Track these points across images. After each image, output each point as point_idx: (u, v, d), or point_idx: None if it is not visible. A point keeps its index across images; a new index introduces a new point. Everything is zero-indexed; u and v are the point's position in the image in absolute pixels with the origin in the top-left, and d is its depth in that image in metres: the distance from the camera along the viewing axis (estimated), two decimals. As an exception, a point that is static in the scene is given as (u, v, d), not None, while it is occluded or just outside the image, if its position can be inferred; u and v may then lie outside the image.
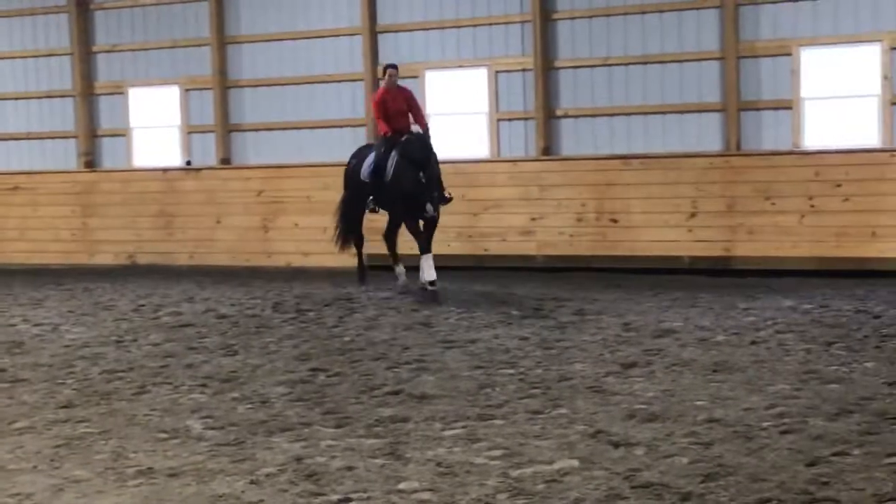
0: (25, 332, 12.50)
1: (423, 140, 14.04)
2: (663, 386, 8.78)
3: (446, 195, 14.34)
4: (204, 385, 9.40)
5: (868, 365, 9.29)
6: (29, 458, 7.27)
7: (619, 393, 8.59)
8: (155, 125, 20.35)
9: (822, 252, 15.01)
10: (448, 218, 14.97)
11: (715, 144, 16.42)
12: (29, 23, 21.08)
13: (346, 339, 11.50)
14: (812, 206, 15.07)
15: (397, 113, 14.48)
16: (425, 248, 14.02)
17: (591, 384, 8.94)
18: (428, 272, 13.91)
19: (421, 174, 13.57)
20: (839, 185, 14.94)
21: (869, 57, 15.62)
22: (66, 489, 6.57)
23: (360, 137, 18.30)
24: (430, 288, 13.89)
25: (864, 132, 15.66)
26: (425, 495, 6.22)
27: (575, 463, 6.74)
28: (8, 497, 6.46)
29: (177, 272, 18.17)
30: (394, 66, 14.87)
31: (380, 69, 18.15)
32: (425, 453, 7.06)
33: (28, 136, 21.22)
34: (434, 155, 14.03)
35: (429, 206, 13.57)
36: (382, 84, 14.92)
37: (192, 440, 7.62)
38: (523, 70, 17.36)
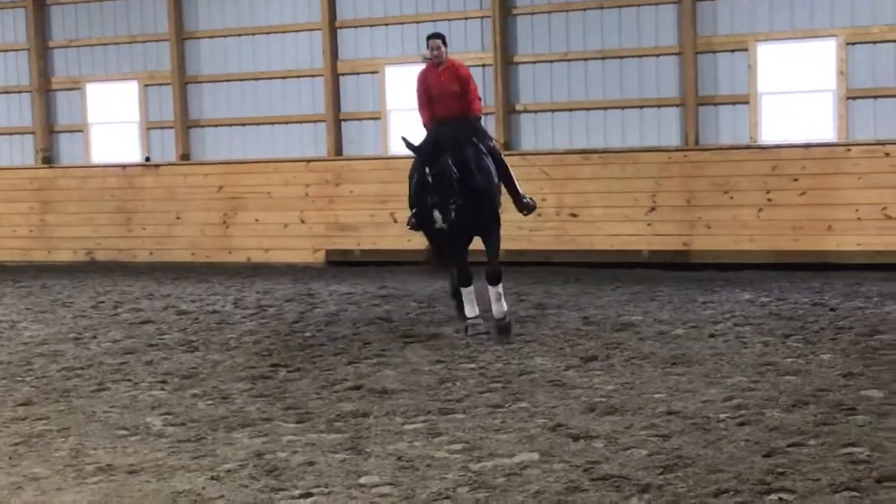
0: (-17, 330, 12.41)
1: (452, 129, 11.08)
2: (623, 379, 8.83)
3: (526, 200, 11.76)
4: (164, 381, 9.38)
5: (824, 357, 9.38)
6: (-13, 456, 7.23)
7: (579, 386, 8.64)
8: (113, 121, 20.18)
9: (780, 245, 15.12)
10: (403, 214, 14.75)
11: (673, 139, 16.50)
12: (-17, 18, 20.88)
13: (307, 334, 11.49)
14: (769, 199, 15.18)
15: (444, 96, 11.43)
16: (489, 277, 11.12)
17: (551, 378, 8.98)
18: (495, 306, 11.11)
19: (427, 170, 10.58)
20: (796, 180, 15.06)
21: (825, 52, 15.72)
22: (25, 487, 6.54)
23: (321, 133, 18.27)
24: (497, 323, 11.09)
25: (820, 127, 15.77)
26: (386, 489, 6.24)
27: (535, 456, 6.78)
28: (-34, 495, 6.42)
29: (136, 269, 18.08)
30: (436, 36, 11.66)
31: (340, 65, 18.24)
32: (386, 448, 7.08)
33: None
34: (470, 149, 11.07)
35: (436, 215, 10.51)
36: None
37: (152, 437, 7.61)
38: (483, 65, 17.35)
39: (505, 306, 11.09)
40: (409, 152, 11.10)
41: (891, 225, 14.64)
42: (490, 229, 11.23)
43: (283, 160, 18.07)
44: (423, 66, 11.86)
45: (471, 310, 11.05)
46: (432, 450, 7.01)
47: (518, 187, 11.71)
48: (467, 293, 11.10)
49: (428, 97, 11.51)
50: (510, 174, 11.64)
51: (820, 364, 9.11)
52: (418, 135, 11.28)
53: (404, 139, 10.60)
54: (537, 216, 15.66)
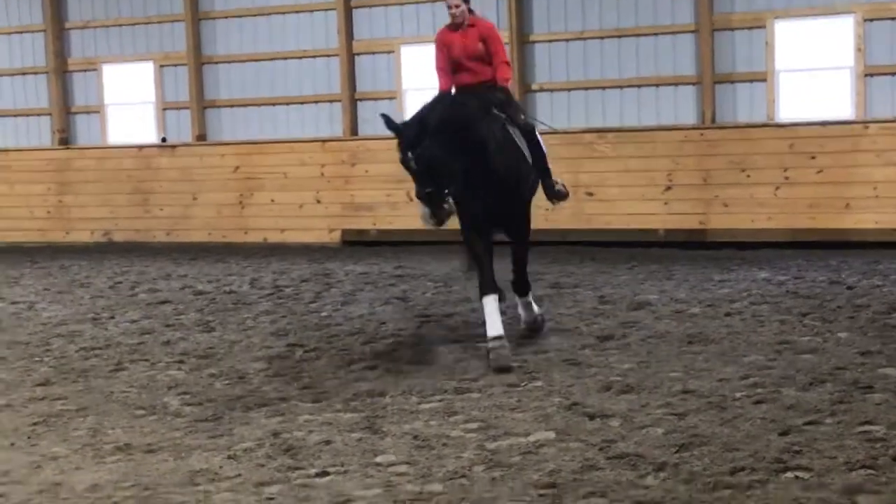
0: (2, 311, 12.46)
1: (465, 100, 9.38)
2: (639, 358, 8.82)
3: (558, 188, 10.14)
4: (181, 361, 9.41)
5: (841, 335, 9.36)
6: (7, 436, 7.27)
7: (595, 365, 8.64)
8: (129, 102, 20.23)
9: (797, 224, 15.06)
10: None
11: (690, 117, 16.44)
12: (1, 0, 20.91)
13: (324, 314, 11.51)
14: (786, 178, 15.13)
15: (466, 61, 9.66)
16: (516, 287, 9.87)
17: (567, 357, 8.98)
18: (523, 313, 9.95)
19: (409, 154, 8.60)
20: (813, 157, 14.99)
21: (842, 29, 15.64)
22: (44, 466, 6.58)
23: (336, 113, 18.24)
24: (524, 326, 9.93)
25: (837, 104, 15.70)
26: (402, 468, 6.26)
27: (551, 435, 6.79)
28: (-15, 474, 6.46)
29: (153, 249, 18.13)
30: None
31: (355, 44, 18.22)
32: (402, 427, 7.10)
33: (2, 114, 21.07)
34: (489, 123, 9.20)
35: (423, 211, 8.84)
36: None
37: (170, 416, 7.64)
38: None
39: (536, 309, 9.97)
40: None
41: (909, 203, 14.59)
42: (516, 223, 9.60)
43: (298, 140, 18.07)
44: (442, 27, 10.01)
45: (493, 327, 8.88)
46: (448, 429, 7.03)
47: (550, 172, 10.08)
48: (489, 305, 8.98)
49: (448, 63, 9.75)
50: (544, 156, 9.94)
51: (837, 342, 9.09)
52: (462, 93, 9.74)
53: (384, 117, 8.80)
54: (553, 195, 15.68)
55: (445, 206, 8.71)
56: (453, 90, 9.75)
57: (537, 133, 9.99)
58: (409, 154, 8.59)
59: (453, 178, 8.73)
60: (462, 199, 9.03)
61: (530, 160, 9.62)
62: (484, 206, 9.18)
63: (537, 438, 6.71)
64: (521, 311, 9.96)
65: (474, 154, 8.90)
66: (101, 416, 7.67)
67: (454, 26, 9.71)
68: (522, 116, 9.91)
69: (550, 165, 10.09)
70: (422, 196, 8.68)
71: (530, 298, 9.91)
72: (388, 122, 8.72)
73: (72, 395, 8.33)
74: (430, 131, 8.52)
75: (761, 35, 16.00)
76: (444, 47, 9.76)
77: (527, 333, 9.85)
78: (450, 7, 9.66)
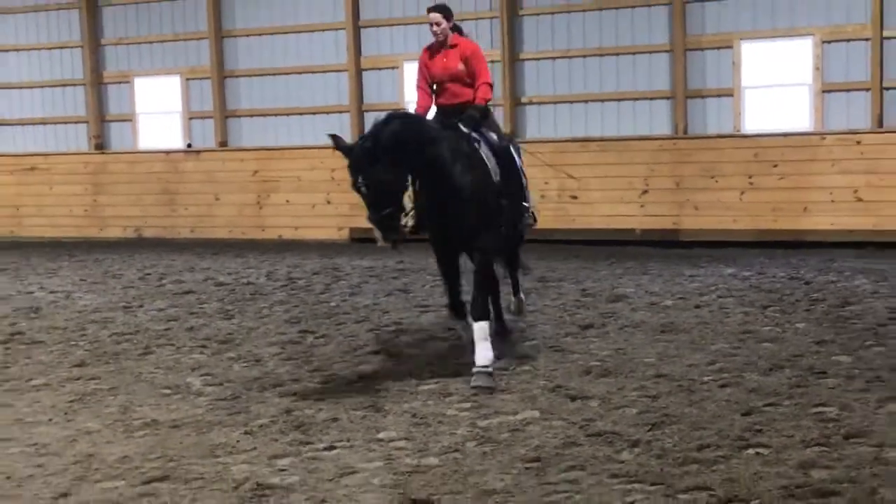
0: (42, 299, 12.46)
1: (410, 118, 7.95)
2: (616, 345, 8.83)
3: (528, 213, 8.79)
4: (203, 346, 9.41)
5: (799, 326, 9.37)
6: (45, 412, 7.27)
7: (577, 351, 8.64)
8: (158, 111, 20.19)
9: (760, 225, 15.07)
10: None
11: (664, 128, 16.43)
12: (43, 18, 20.88)
13: (332, 304, 11.51)
14: (751, 183, 15.13)
15: (446, 79, 8.53)
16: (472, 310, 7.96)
17: (552, 344, 8.99)
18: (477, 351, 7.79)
19: (360, 179, 7.35)
20: (775, 165, 14.99)
21: (802, 49, 15.61)
22: (79, 439, 6.58)
23: (346, 122, 18.21)
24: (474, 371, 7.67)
25: (797, 117, 15.68)
26: (402, 443, 6.27)
27: (536, 414, 6.79)
28: (26, 447, 6.46)
29: (179, 244, 18.11)
30: (436, 8, 8.68)
31: (363, 60, 18.22)
32: (402, 406, 7.10)
33: (43, 121, 21.02)
34: (451, 140, 7.90)
35: (376, 234, 7.54)
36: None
37: (193, 395, 7.64)
38: (491, 62, 17.23)
39: (489, 353, 7.74)
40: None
41: (861, 207, 14.58)
42: (475, 242, 7.94)
43: (311, 147, 18.01)
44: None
45: (480, 354, 7.69)
46: (444, 408, 7.04)
47: (527, 195, 8.82)
48: (464, 329, 8.16)
49: (427, 82, 8.65)
50: (520, 181, 8.68)
51: (795, 332, 9.10)
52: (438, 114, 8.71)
53: (333, 137, 7.55)
54: (540, 197, 15.68)
55: (401, 229, 7.53)
56: (433, 110, 8.60)
57: (516, 156, 8.69)
58: (359, 178, 7.32)
59: (403, 203, 7.49)
60: (424, 220, 8.00)
61: (498, 179, 8.14)
62: (442, 227, 8.00)
63: (524, 417, 6.72)
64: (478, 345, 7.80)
65: (432, 174, 7.74)
66: (131, 395, 7.67)
67: (437, 45, 8.64)
68: (495, 137, 8.44)
69: (530, 192, 8.86)
70: (374, 220, 7.42)
71: (485, 328, 7.84)
72: (338, 142, 7.46)
73: (104, 376, 8.32)
74: (381, 152, 7.24)
75: (729, 55, 15.99)
76: (424, 66, 8.68)
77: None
78: (431, 25, 8.63)
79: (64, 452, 6.31)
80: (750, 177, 15.14)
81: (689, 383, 7.43)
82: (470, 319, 7.94)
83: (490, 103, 8.68)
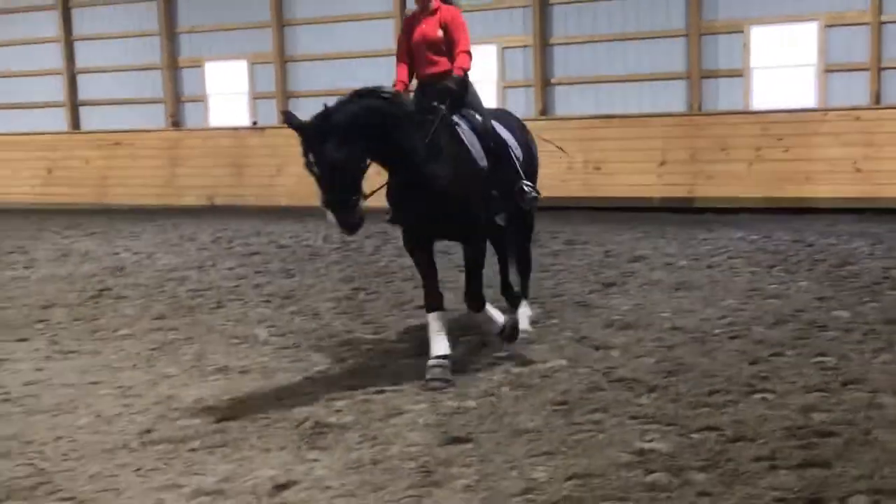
0: (126, 259, 12.57)
1: (373, 94, 6.37)
2: (636, 301, 8.78)
3: (530, 194, 7.11)
4: (268, 301, 9.46)
5: (802, 284, 9.27)
6: (130, 359, 7.36)
7: (600, 307, 8.61)
8: (227, 92, 20.27)
9: (767, 193, 14.88)
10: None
11: (680, 106, 16.25)
12: (125, 10, 20.98)
13: (382, 263, 11.52)
14: (759, 155, 14.93)
15: (423, 49, 7.01)
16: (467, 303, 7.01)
17: (578, 299, 8.96)
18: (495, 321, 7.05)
19: (309, 157, 6.05)
20: (781, 139, 14.78)
21: (807, 33, 15.38)
22: (160, 383, 6.66)
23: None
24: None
25: (802, 96, 15.48)
26: (446, 387, 6.28)
27: (564, 362, 6.78)
28: (113, 389, 6.55)
29: (246, 211, 18.18)
30: None
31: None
32: (444, 355, 7.09)
33: (126, 102, 21.15)
34: (422, 120, 6.47)
35: (329, 218, 6.15)
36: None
37: (259, 345, 7.70)
38: (524, 46, 17.18)
39: (500, 320, 7.02)
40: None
41: (860, 177, 14.36)
42: (462, 234, 6.70)
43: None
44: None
45: (435, 347, 6.50)
46: (481, 357, 7.04)
47: (521, 175, 7.11)
48: (433, 322, 6.61)
49: (406, 52, 7.10)
50: (511, 156, 7.04)
51: (798, 290, 9.00)
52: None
53: (285, 114, 6.26)
54: (568, 169, 15.62)
55: (356, 214, 6.05)
56: (414, 83, 7.10)
57: (508, 135, 7.15)
58: (309, 157, 6.00)
59: (360, 185, 6.06)
60: (392, 207, 6.64)
61: (484, 164, 6.64)
62: (416, 217, 6.57)
63: (552, 365, 6.72)
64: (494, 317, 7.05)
65: (401, 162, 6.33)
66: (205, 344, 7.74)
67: (418, 12, 7.10)
68: (479, 117, 6.86)
69: (523, 169, 7.16)
70: (326, 203, 6.01)
71: (492, 311, 7.02)
72: (290, 119, 6.11)
73: (181, 327, 8.40)
74: (332, 130, 5.90)
75: (739, 38, 15.76)
76: (403, 36, 7.17)
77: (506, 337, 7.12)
78: None
79: (146, 394, 6.39)
80: (758, 149, 14.93)
81: (701, 335, 7.39)
82: (495, 313, 6.94)
83: (524, 83, 8.01)
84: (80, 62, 21.56)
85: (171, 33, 20.46)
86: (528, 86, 17.22)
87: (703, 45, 15.95)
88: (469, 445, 5.24)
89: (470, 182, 6.52)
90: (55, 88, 21.74)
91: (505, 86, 17.49)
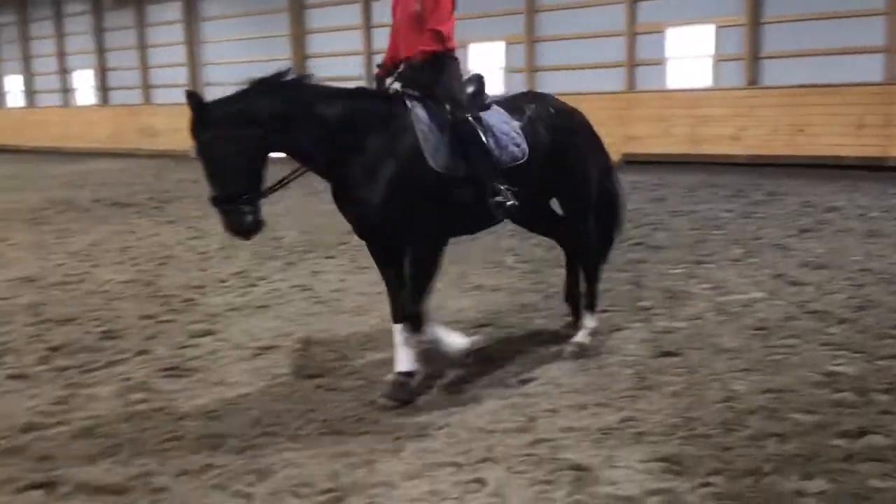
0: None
1: (292, 81, 4.41)
2: (830, 245, 8.19)
3: (498, 199, 4.65)
4: (513, 234, 9.47)
5: None
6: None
7: (797, 249, 8.09)
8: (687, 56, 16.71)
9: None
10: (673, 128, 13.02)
11: (877, 76, 14.80)
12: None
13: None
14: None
15: (403, 24, 4.84)
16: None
17: (776, 242, 8.46)
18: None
19: (193, 146, 4.23)
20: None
21: None
22: (434, 296, 6.86)
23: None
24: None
25: None
26: (657, 310, 6.19)
27: (763, 295, 6.47)
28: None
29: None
30: None
31: (638, 26, 17.25)
32: (658, 284, 6.95)
33: (580, 67, 18.09)
34: (360, 111, 4.46)
35: (223, 220, 4.27)
36: None
37: (507, 269, 7.80)
38: (737, 25, 16.13)
39: (451, 343, 4.94)
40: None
41: None
42: (400, 240, 4.65)
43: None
44: None
45: (400, 362, 4.69)
46: (690, 287, 6.82)
47: (489, 168, 4.65)
48: (396, 335, 4.72)
49: (394, 31, 4.94)
50: (487, 154, 4.63)
51: None
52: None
53: (189, 93, 4.11)
54: (772, 131, 14.66)
55: (246, 218, 4.20)
56: (402, 66, 4.82)
57: (497, 122, 4.80)
58: (192, 145, 4.20)
59: (253, 185, 4.22)
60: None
61: (445, 159, 4.52)
62: (350, 221, 4.68)
63: (752, 297, 6.41)
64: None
65: (325, 158, 4.43)
66: (465, 266, 7.91)
67: None
68: (449, 107, 4.62)
69: (524, 169, 4.82)
70: (211, 201, 4.24)
71: (438, 331, 4.91)
72: (191, 99, 4.12)
73: (449, 253, 8.55)
74: (212, 119, 4.12)
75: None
76: (391, 10, 4.98)
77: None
78: None
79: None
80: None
81: (889, 277, 6.81)
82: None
83: (736, 57, 6.84)
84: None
85: (632, 2, 18.26)
86: (740, 59, 16.19)
87: (904, 22, 14.38)
88: (677, 359, 5.11)
89: (406, 183, 4.43)
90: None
91: (718, 58, 16.53)
